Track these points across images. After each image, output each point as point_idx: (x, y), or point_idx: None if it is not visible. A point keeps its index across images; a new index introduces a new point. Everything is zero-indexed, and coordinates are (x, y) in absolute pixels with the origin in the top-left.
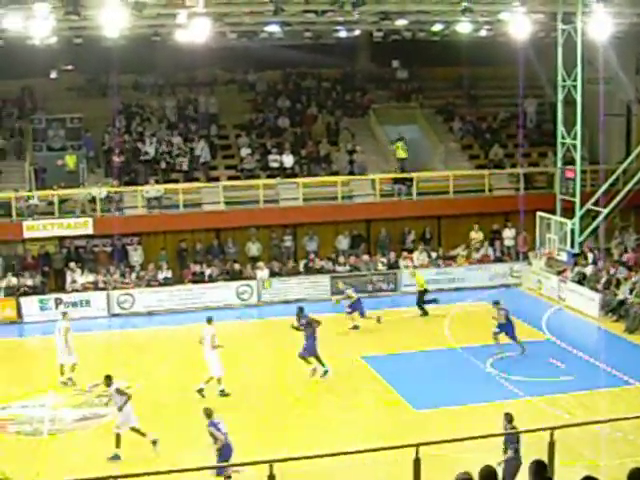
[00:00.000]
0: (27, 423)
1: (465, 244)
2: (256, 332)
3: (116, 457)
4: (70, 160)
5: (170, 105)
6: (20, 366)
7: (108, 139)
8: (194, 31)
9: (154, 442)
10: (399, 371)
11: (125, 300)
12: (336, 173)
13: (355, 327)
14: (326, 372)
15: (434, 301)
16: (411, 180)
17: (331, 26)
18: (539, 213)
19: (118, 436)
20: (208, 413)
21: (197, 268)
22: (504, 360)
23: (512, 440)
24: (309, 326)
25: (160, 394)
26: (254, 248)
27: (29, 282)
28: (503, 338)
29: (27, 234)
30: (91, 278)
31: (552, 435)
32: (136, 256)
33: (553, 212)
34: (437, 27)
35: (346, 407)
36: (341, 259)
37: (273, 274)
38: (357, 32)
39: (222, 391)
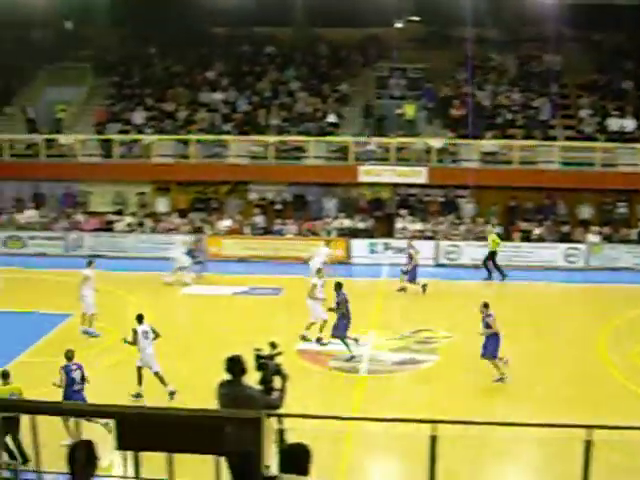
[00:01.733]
0: (347, 360)
1: None
2: (580, 297)
3: (138, 395)
4: (409, 109)
5: (512, 60)
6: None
7: (448, 91)
8: None
9: (171, 393)
10: None
11: (452, 251)
12: None
13: None
14: (352, 357)
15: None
16: None
17: None
18: None
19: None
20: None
21: (525, 226)
22: None
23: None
24: (340, 306)
25: (469, 347)
26: (585, 211)
27: (360, 225)
28: None
29: (362, 178)
30: (420, 226)
31: None
32: (467, 209)
33: None
34: None
35: None
36: None
37: (604, 239)
38: None
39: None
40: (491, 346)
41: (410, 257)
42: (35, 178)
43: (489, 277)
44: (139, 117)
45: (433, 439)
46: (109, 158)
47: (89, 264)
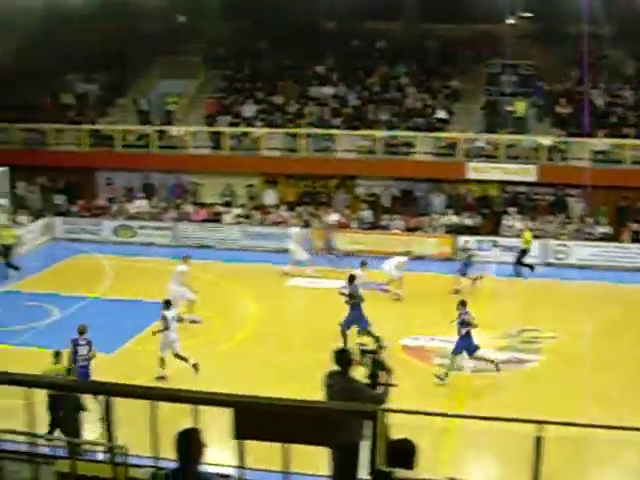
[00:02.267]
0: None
1: None
2: None
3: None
4: (520, 106)
5: (626, 57)
6: (451, 302)
7: (559, 88)
8: None
9: (195, 365)
10: None
11: (560, 251)
12: None
13: None
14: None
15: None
16: None
17: None
18: None
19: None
20: None
21: (637, 227)
22: None
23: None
24: (352, 298)
25: (573, 348)
26: None
27: (468, 222)
28: None
29: (470, 175)
30: (529, 225)
31: None
32: (577, 208)
33: None
34: None
35: None
36: None
37: None
38: None
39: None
40: (463, 344)
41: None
42: (146, 169)
43: (532, 270)
44: (249, 110)
45: (538, 440)
46: (219, 150)
47: (185, 259)
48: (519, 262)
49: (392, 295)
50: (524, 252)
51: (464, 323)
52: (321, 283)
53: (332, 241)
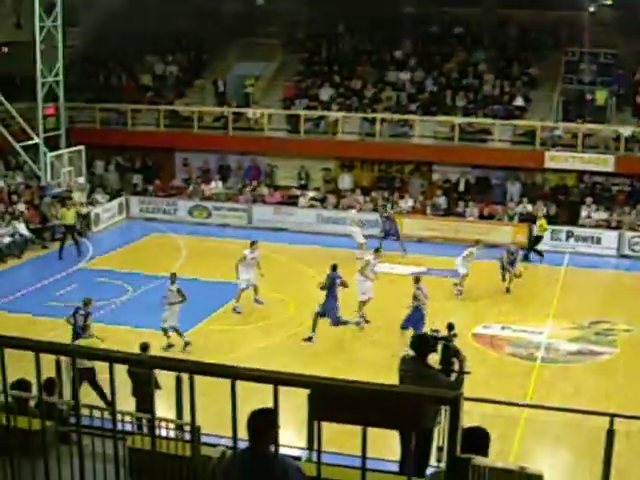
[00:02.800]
0: (523, 347)
1: None
2: None
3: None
4: (600, 95)
5: None
6: (524, 291)
7: (639, 78)
8: None
9: (187, 343)
10: None
11: (636, 242)
12: None
13: None
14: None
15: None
16: None
17: None
18: None
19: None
20: None
21: None
22: None
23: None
24: (329, 287)
25: None
26: None
27: (543, 211)
28: None
29: (548, 164)
30: (605, 216)
31: None
32: None
33: None
34: None
35: None
36: None
37: None
38: None
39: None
40: (413, 319)
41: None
42: (222, 150)
43: (541, 258)
44: (326, 94)
45: (610, 433)
46: (295, 133)
47: (252, 244)
48: (531, 248)
49: (454, 290)
50: (538, 239)
51: (415, 298)
52: (395, 269)
53: (397, 226)
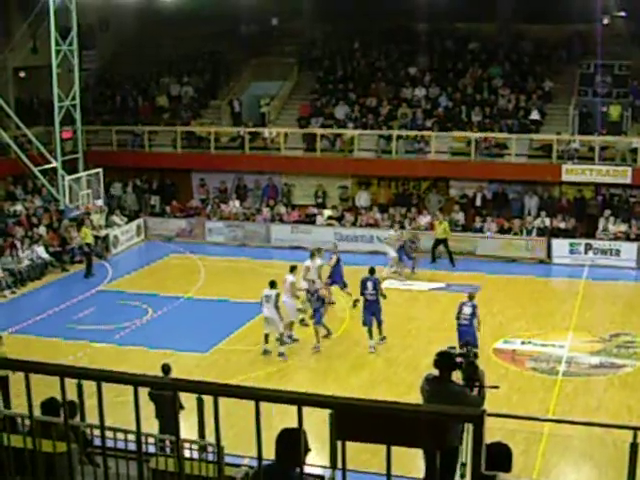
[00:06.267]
0: (544, 361)
1: None
2: None
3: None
4: (614, 110)
5: None
6: (544, 305)
7: None
8: None
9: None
10: None
11: None
12: None
13: None
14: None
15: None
16: None
17: None
18: None
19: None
20: None
21: None
22: None
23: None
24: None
25: None
26: None
27: (561, 225)
28: None
29: (565, 177)
30: (623, 228)
31: None
32: None
33: None
34: None
35: None
36: None
37: None
38: None
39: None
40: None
41: None
42: (238, 170)
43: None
44: (341, 112)
45: (634, 446)
46: (312, 152)
47: (315, 253)
48: (434, 248)
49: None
50: (441, 242)
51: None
52: (414, 285)
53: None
